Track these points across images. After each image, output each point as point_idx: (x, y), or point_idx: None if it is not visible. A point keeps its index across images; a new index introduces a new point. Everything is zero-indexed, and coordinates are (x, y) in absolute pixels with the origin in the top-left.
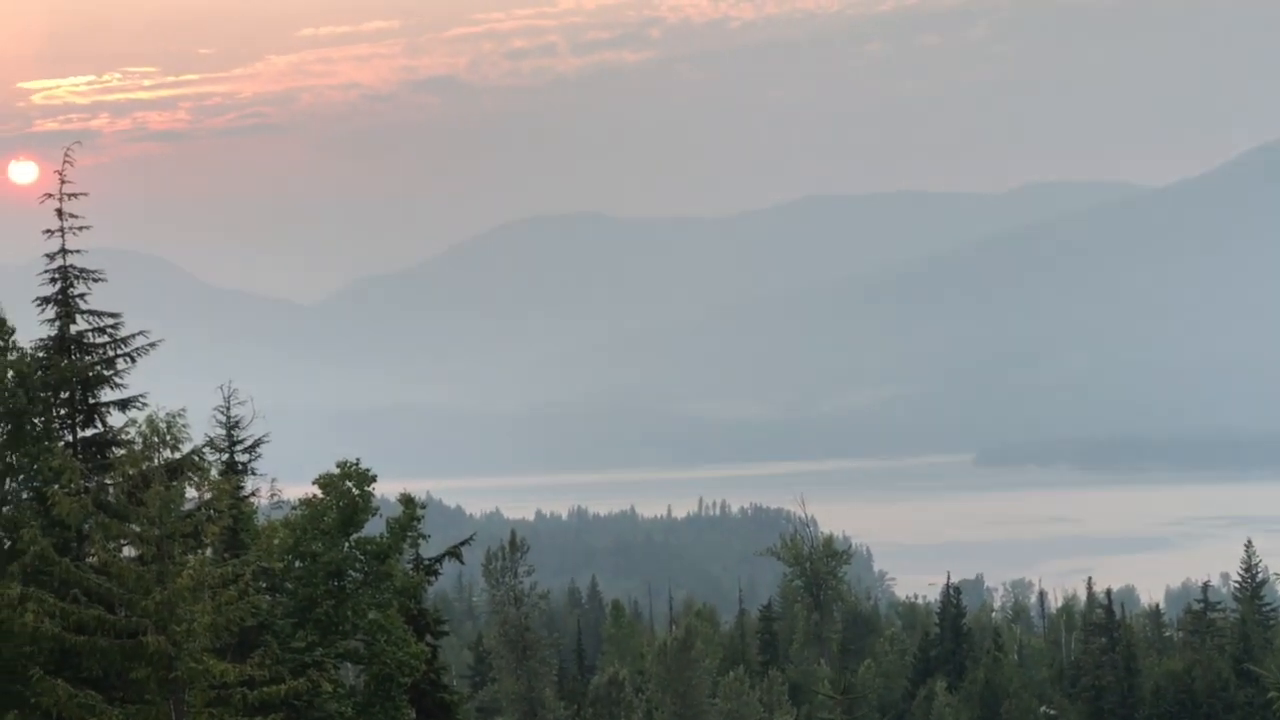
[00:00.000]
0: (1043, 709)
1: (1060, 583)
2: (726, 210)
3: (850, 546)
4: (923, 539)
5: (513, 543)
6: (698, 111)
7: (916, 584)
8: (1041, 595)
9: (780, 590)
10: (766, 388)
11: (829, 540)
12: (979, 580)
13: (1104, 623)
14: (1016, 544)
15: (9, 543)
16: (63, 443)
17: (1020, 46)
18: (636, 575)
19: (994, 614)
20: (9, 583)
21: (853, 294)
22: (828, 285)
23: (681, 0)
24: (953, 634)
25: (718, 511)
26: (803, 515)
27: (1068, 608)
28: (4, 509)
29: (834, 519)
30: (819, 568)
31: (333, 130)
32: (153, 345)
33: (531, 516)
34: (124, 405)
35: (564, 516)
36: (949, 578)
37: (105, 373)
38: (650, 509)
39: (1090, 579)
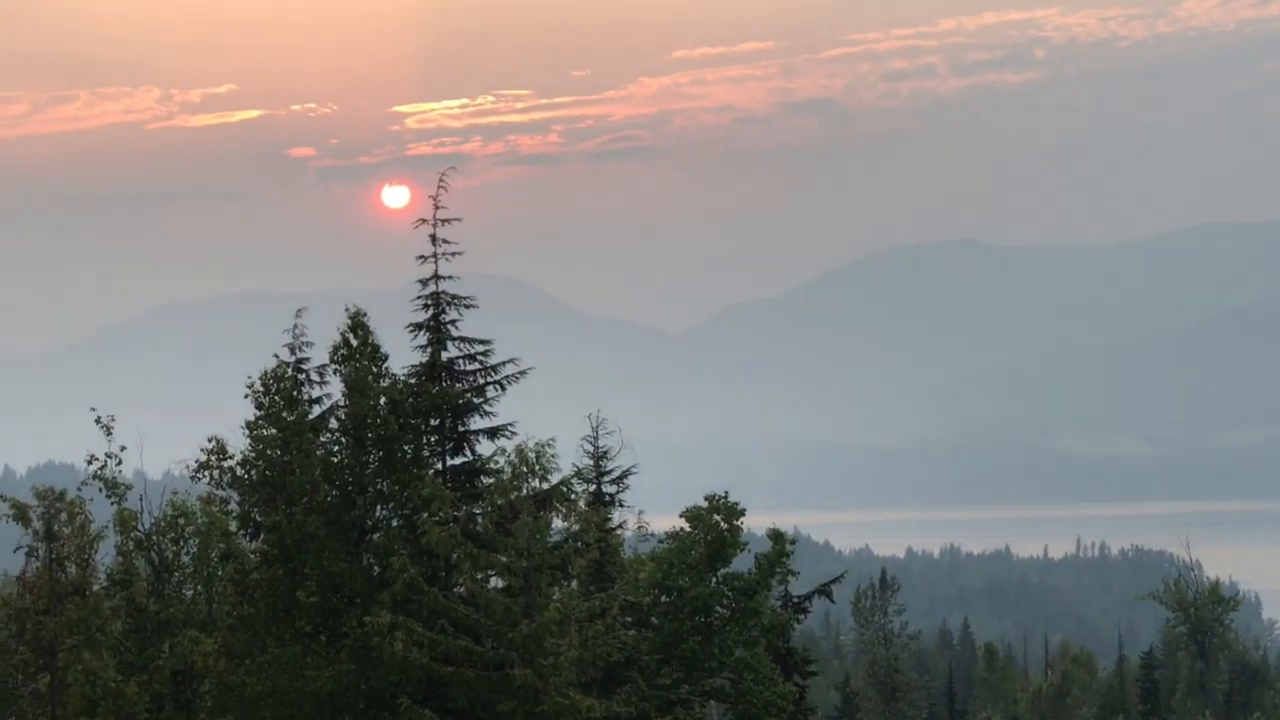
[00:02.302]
0: None
1: None
2: (1111, 238)
3: (1238, 592)
4: None
5: (883, 581)
6: (1082, 135)
7: None
8: None
9: (1162, 637)
10: (1150, 423)
11: (1215, 585)
12: None
13: None
14: None
15: (379, 570)
16: (433, 471)
17: None
18: (1010, 617)
19: None
20: (379, 611)
21: (1245, 326)
22: (1219, 317)
23: (1068, 19)
24: None
25: (1096, 552)
26: (1187, 558)
27: None
28: (375, 536)
29: (1220, 563)
30: (1204, 614)
31: (705, 154)
32: (522, 373)
33: (902, 554)
34: (493, 434)
35: (936, 554)
36: None
37: (475, 400)
38: (1025, 548)
39: None
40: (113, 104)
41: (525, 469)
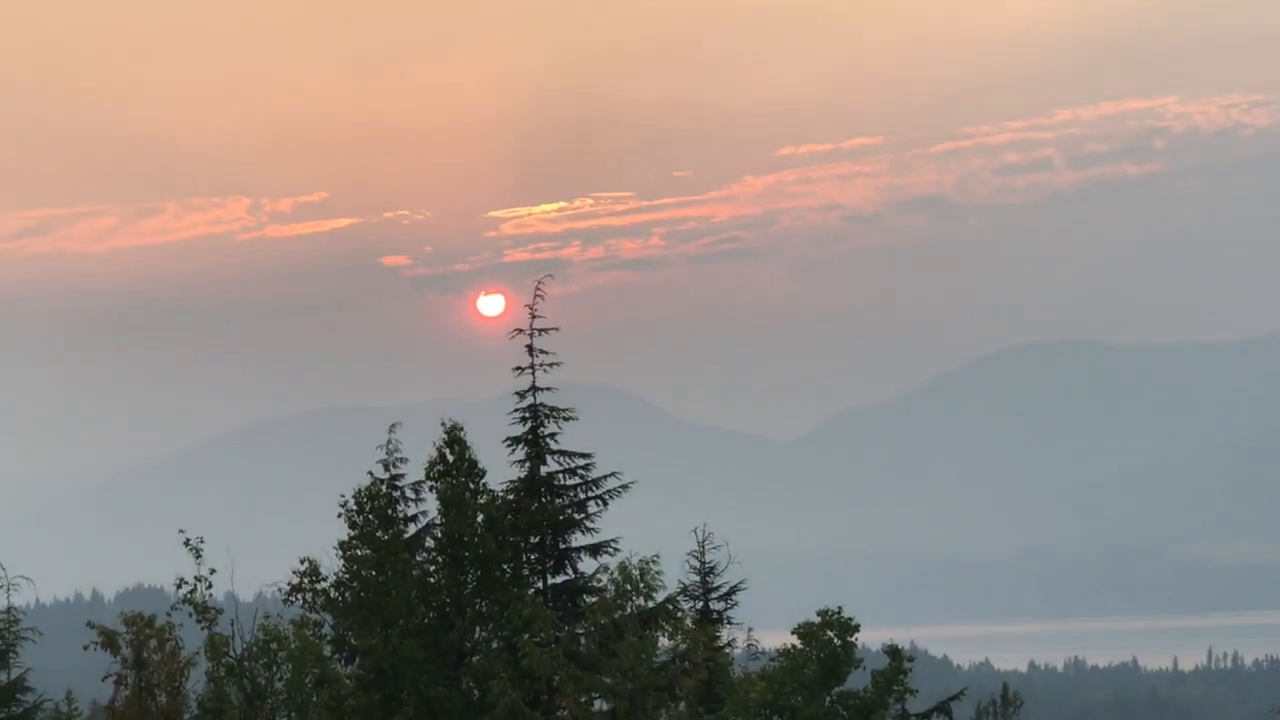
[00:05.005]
0: None
1: None
2: (1238, 334)
3: None
4: None
5: (1005, 696)
6: (1205, 228)
7: None
8: None
9: None
10: None
11: None
12: None
13: None
14: None
15: (479, 694)
16: (533, 590)
17: None
18: None
19: None
20: None
21: None
22: None
23: (1188, 107)
24: None
25: (1229, 663)
26: None
27: None
28: (474, 659)
29: None
30: None
31: (812, 254)
32: (625, 487)
33: (1024, 668)
34: (595, 550)
35: (1059, 668)
36: None
37: (576, 516)
38: (1154, 660)
39: None
40: (202, 215)
41: (629, 587)
